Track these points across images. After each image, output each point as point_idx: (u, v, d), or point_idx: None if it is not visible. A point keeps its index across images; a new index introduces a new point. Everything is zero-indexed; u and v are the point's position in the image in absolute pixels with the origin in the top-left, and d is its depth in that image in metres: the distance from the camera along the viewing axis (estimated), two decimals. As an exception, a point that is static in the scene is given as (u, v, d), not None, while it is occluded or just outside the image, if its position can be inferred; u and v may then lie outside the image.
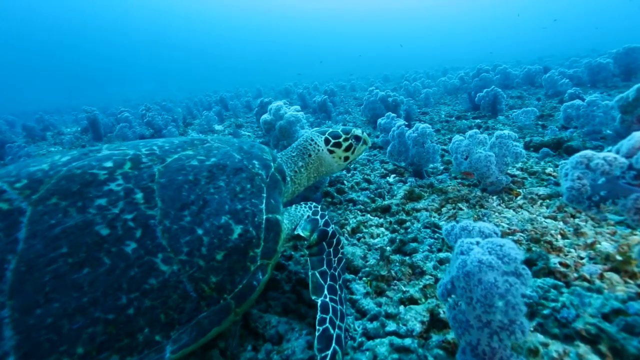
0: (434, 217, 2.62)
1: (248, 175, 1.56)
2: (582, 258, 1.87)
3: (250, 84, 27.41)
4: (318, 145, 2.15)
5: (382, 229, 2.59)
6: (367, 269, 2.03)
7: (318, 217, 1.75)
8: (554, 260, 1.77)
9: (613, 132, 2.36)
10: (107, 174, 1.32)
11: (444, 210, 2.70)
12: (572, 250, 1.93)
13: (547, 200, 2.54)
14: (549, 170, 2.99)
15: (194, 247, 1.23)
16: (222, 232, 1.30)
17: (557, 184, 2.77)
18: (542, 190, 2.63)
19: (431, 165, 3.67)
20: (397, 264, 2.05)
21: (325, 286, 1.51)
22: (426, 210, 2.72)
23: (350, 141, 2.19)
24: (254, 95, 15.88)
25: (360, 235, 2.52)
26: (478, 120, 5.73)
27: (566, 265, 1.72)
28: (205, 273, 1.22)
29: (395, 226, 2.56)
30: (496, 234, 1.20)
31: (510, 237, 2.05)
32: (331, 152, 2.17)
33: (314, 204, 1.85)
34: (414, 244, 2.22)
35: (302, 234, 1.65)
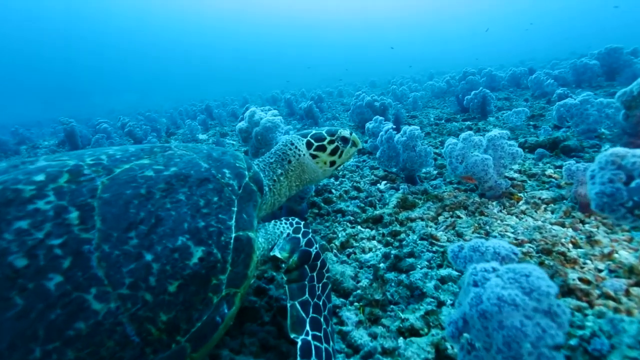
0: (431, 227, 2.38)
1: (216, 186, 1.33)
2: (600, 271, 1.65)
3: (237, 93, 27.13)
4: (299, 150, 1.88)
5: (375, 242, 2.35)
6: (359, 291, 1.78)
7: (299, 235, 1.51)
8: (572, 275, 1.55)
9: (619, 130, 2.19)
10: (34, 190, 1.04)
11: (440, 218, 2.47)
12: (588, 261, 1.72)
13: (552, 205, 2.34)
14: (549, 171, 2.80)
15: (139, 277, 1.00)
16: (178, 257, 1.07)
17: (559, 186, 2.58)
18: (545, 194, 2.44)
19: (424, 170, 3.46)
20: (393, 284, 1.80)
21: (308, 320, 1.28)
22: (421, 219, 2.49)
23: (336, 143, 1.92)
24: (240, 103, 15.62)
25: (351, 250, 2.27)
26: (468, 122, 5.59)
27: (587, 282, 1.50)
28: (152, 310, 0.99)
29: (388, 238, 2.32)
30: (515, 254, 0.96)
31: (519, 248, 1.82)
32: (314, 156, 1.90)
33: (296, 219, 1.61)
34: (410, 260, 1.98)
35: (279, 255, 1.41)
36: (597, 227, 2.00)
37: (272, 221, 1.62)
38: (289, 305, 1.32)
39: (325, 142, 1.90)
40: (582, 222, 2.08)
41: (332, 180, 3.63)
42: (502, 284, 0.78)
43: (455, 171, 2.65)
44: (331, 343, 1.28)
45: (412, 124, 6.07)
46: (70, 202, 1.04)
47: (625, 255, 1.70)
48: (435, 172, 3.43)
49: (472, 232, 2.17)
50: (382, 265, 2.02)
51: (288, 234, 1.53)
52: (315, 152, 1.89)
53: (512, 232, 2.03)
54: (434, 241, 2.17)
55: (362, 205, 2.87)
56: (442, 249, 2.05)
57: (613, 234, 1.93)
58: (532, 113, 5.31)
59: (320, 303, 1.37)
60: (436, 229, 2.35)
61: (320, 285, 1.43)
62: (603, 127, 3.70)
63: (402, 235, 2.31)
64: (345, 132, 1.96)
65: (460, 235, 2.19)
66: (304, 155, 1.88)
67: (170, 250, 1.07)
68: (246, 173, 1.52)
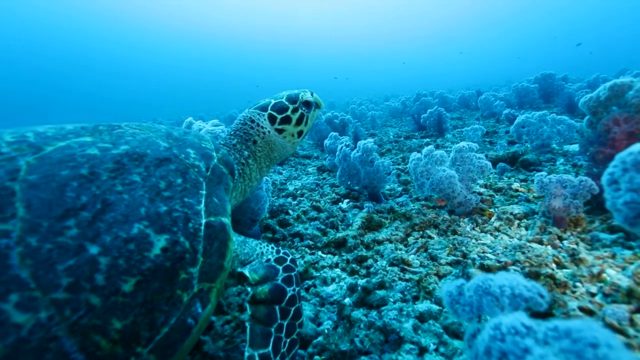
0: (401, 249, 2.09)
1: (179, 167, 1.12)
2: (593, 295, 1.44)
3: (194, 112, 26.16)
4: (263, 127, 1.61)
5: (338, 271, 1.99)
6: (320, 339, 1.39)
7: (280, 267, 1.30)
8: (571, 305, 1.31)
9: (584, 141, 2.12)
10: None
11: (410, 239, 2.19)
12: (578, 284, 1.51)
13: (525, 220, 2.18)
14: (515, 185, 2.69)
15: (81, 275, 0.79)
16: (134, 248, 0.88)
17: (528, 200, 2.45)
18: (516, 209, 2.28)
19: (388, 187, 3.23)
20: (363, 326, 1.45)
21: None
22: (390, 241, 2.19)
23: (300, 110, 1.64)
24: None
25: (310, 282, 1.89)
26: (427, 139, 5.60)
27: (589, 311, 1.27)
28: (101, 317, 0.79)
29: (354, 266, 1.98)
30: (543, 297, 0.66)
31: (503, 272, 1.57)
32: (280, 131, 1.62)
33: (284, 250, 1.39)
34: (381, 292, 1.64)
35: (247, 274, 1.24)
36: (577, 244, 1.84)
37: (257, 240, 1.42)
38: (247, 354, 1.12)
39: (289, 112, 1.62)
40: (560, 238, 1.92)
41: (289, 199, 3.26)
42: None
43: (422, 188, 2.43)
44: None
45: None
46: None
47: (614, 275, 1.52)
48: (400, 188, 3.21)
49: (448, 255, 1.90)
50: (347, 300, 1.66)
51: (268, 260, 1.33)
52: (280, 127, 1.61)
53: (492, 253, 1.80)
54: (405, 267, 1.87)
55: (323, 227, 2.52)
56: (416, 276, 1.75)
57: (594, 250, 1.77)
58: (487, 130, 5.45)
59: None
60: (407, 251, 2.06)
61: (288, 341, 1.18)
62: (554, 142, 3.79)
63: (370, 261, 1.98)
64: (307, 95, 1.67)
65: (434, 258, 1.91)
66: (269, 132, 1.61)
67: (123, 240, 0.87)
68: (214, 154, 1.30)
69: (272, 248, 1.40)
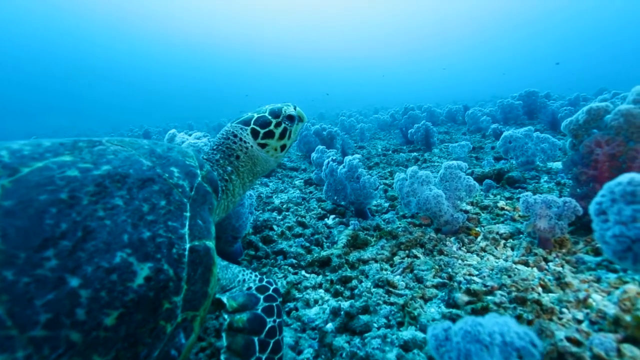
0: (386, 270, 2.04)
1: (162, 187, 1.08)
2: (580, 322, 1.41)
3: (182, 119, 25.90)
4: (245, 142, 1.58)
5: (321, 292, 1.92)
6: (299, 370, 1.31)
7: (261, 296, 1.26)
8: (558, 334, 1.27)
9: (568, 161, 2.12)
10: None
11: (396, 259, 2.14)
12: (564, 310, 1.48)
13: (511, 240, 2.16)
14: (501, 203, 2.69)
15: (61, 311, 0.75)
16: (116, 279, 0.84)
17: (513, 219, 2.45)
18: (502, 228, 2.26)
19: (374, 202, 3.19)
20: (345, 355, 1.37)
21: None
22: (375, 260, 2.14)
23: (283, 125, 1.62)
24: (183, 129, 14.67)
25: (292, 305, 1.81)
26: (415, 154, 5.62)
27: (577, 342, 1.23)
28: (82, 354, 0.75)
29: (337, 287, 1.91)
30: (535, 346, 0.61)
31: (490, 297, 1.53)
32: (263, 145, 1.59)
33: (269, 279, 1.34)
34: (365, 317, 1.58)
35: (225, 301, 1.20)
36: (562, 266, 1.82)
37: (239, 267, 1.39)
38: None
39: (272, 127, 1.59)
40: (546, 260, 1.90)
41: (274, 214, 3.18)
42: None
43: (408, 206, 2.40)
44: None
45: (360, 154, 5.98)
46: None
47: (600, 301, 1.49)
48: (387, 204, 3.17)
49: (433, 277, 1.86)
50: (329, 326, 1.59)
51: (250, 288, 1.29)
52: (263, 141, 1.59)
53: (478, 276, 1.76)
54: (390, 289, 1.81)
55: (307, 244, 2.45)
56: (401, 300, 1.69)
57: (579, 274, 1.75)
58: (473, 146, 5.52)
59: None
60: (392, 272, 2.01)
61: None
62: (538, 159, 3.85)
63: (354, 282, 1.92)
64: (290, 109, 1.66)
65: (419, 280, 1.86)
66: (252, 147, 1.58)
67: (105, 270, 0.83)
68: (198, 172, 1.26)
69: (256, 276, 1.35)
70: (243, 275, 1.34)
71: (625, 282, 1.57)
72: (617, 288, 1.56)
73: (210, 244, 1.09)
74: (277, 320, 1.21)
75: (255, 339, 1.15)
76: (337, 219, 2.92)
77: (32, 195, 0.84)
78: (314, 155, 3.58)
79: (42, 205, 0.83)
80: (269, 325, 1.18)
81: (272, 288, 1.30)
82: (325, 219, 2.97)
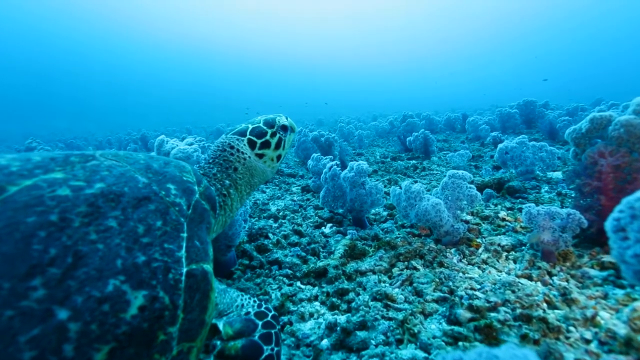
0: (384, 282, 1.97)
1: (159, 206, 1.02)
2: (588, 342, 1.34)
3: (181, 124, 25.88)
4: (243, 154, 1.56)
5: (317, 305, 1.84)
6: (291, 392, 1.23)
7: (260, 322, 1.21)
8: (567, 356, 1.20)
9: (570, 172, 2.08)
10: None
11: (395, 270, 2.07)
12: (571, 328, 1.41)
13: (513, 253, 2.10)
14: (502, 214, 2.63)
15: (46, 347, 0.68)
16: (108, 310, 0.76)
17: (515, 230, 2.39)
18: (504, 240, 2.20)
19: (373, 211, 3.13)
20: (340, 376, 1.29)
21: None
22: (373, 272, 2.06)
23: (278, 135, 1.64)
24: (182, 134, 14.63)
25: (286, 319, 1.73)
26: (414, 161, 5.58)
27: (587, 366, 1.15)
28: None
29: (334, 299, 1.83)
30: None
31: (493, 313, 1.46)
32: (260, 155, 1.59)
33: (267, 305, 1.31)
34: (362, 333, 1.50)
35: (220, 327, 1.14)
36: (567, 281, 1.76)
37: (240, 292, 1.34)
38: None
39: (268, 137, 1.60)
40: (550, 273, 1.84)
41: (270, 221, 3.11)
42: None
43: (407, 218, 2.33)
44: None
45: (358, 161, 5.95)
46: None
47: (608, 319, 1.43)
48: (385, 213, 3.11)
49: (434, 290, 1.78)
50: (325, 342, 1.51)
51: (248, 313, 1.24)
52: (260, 151, 1.59)
53: (480, 290, 1.69)
54: (389, 303, 1.73)
55: (304, 254, 2.38)
56: (400, 314, 1.62)
57: (586, 289, 1.69)
58: (472, 154, 5.48)
59: None
60: (391, 284, 1.93)
61: None
62: (537, 169, 3.81)
63: (351, 295, 1.84)
64: (283, 119, 1.68)
65: (419, 293, 1.79)
66: (249, 157, 1.57)
67: (96, 300, 0.76)
68: (196, 188, 1.20)
69: (255, 301, 1.31)
70: (241, 300, 1.30)
71: (634, 299, 1.50)
72: (625, 305, 1.49)
73: (208, 267, 1.02)
74: (275, 349, 1.15)
75: None
76: (334, 228, 2.85)
77: (19, 218, 0.78)
78: (309, 162, 3.53)
79: (30, 229, 0.77)
80: (265, 354, 1.11)
81: (270, 315, 1.25)
82: (322, 228, 2.90)
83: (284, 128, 1.66)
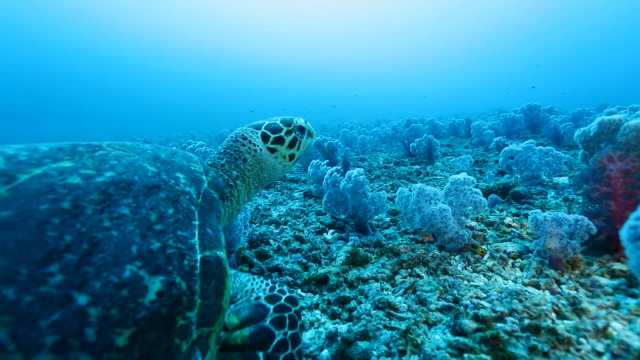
0: (387, 290, 1.92)
1: (169, 194, 1.01)
2: (600, 354, 1.28)
3: (185, 129, 26.09)
4: (255, 145, 1.57)
5: (318, 313, 1.80)
6: (290, 406, 1.18)
7: (271, 306, 1.14)
8: (578, 371, 1.14)
9: (578, 177, 2.03)
10: None
11: (397, 278, 2.02)
12: (582, 340, 1.35)
13: (520, 260, 2.04)
14: (508, 220, 2.57)
15: (68, 332, 0.67)
16: (127, 294, 0.77)
17: (521, 237, 2.33)
18: (510, 247, 2.14)
19: (376, 217, 3.08)
20: (340, 389, 1.24)
21: None
22: (375, 280, 2.02)
23: (294, 134, 1.64)
24: (185, 140, 14.72)
25: (285, 328, 1.68)
26: (417, 167, 5.53)
27: (599, 381, 1.10)
28: None
29: (335, 308, 1.79)
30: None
31: (500, 324, 1.41)
32: (272, 150, 1.59)
33: (283, 287, 1.23)
34: (363, 344, 1.45)
35: (225, 319, 1.06)
36: (577, 289, 1.70)
37: (245, 275, 1.30)
38: None
39: (282, 134, 1.60)
40: (558, 282, 1.78)
41: (271, 227, 3.07)
42: None
43: (411, 221, 2.29)
44: None
45: (361, 166, 5.91)
46: None
47: (621, 331, 1.37)
48: (388, 219, 3.06)
49: (438, 299, 1.73)
50: (325, 353, 1.46)
51: (258, 298, 1.17)
52: (273, 146, 1.59)
53: (486, 299, 1.63)
54: (392, 312, 1.68)
55: (305, 260, 2.34)
56: (403, 324, 1.57)
57: (596, 298, 1.63)
58: (476, 159, 5.43)
59: None
60: (394, 292, 1.88)
61: None
62: (543, 173, 3.74)
63: (353, 303, 1.80)
64: (301, 121, 1.69)
65: (423, 302, 1.74)
66: (260, 150, 1.57)
67: (114, 286, 0.76)
68: (204, 178, 1.20)
69: (267, 284, 1.25)
70: (252, 284, 1.24)
71: (648, 310, 1.44)
72: (638, 316, 1.43)
73: (222, 254, 1.02)
74: (290, 332, 1.08)
75: (260, 354, 1.02)
76: (336, 234, 2.81)
77: (32, 205, 0.78)
78: (309, 169, 3.51)
79: (44, 216, 0.77)
80: (277, 339, 1.06)
81: (285, 297, 1.18)
82: (324, 234, 2.86)
83: (301, 129, 1.67)
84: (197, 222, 1.01)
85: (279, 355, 1.04)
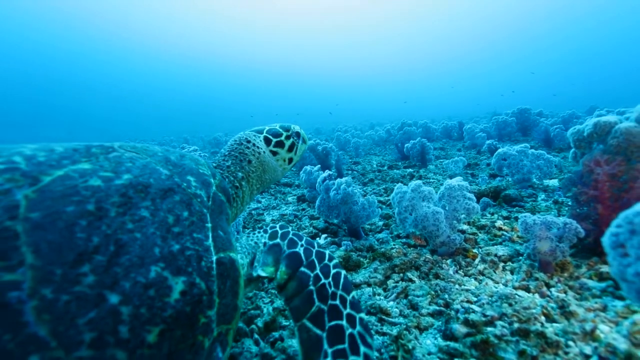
0: (379, 294, 1.92)
1: (183, 197, 1.05)
2: (588, 357, 1.30)
3: (178, 133, 25.96)
4: (258, 148, 1.67)
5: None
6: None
7: (278, 239, 1.29)
8: (566, 375, 1.15)
9: (566, 181, 2.06)
10: None
11: (390, 282, 2.03)
12: (570, 343, 1.36)
13: (510, 263, 2.06)
14: (499, 223, 2.60)
15: (104, 329, 0.71)
16: (154, 294, 0.80)
17: (512, 240, 2.35)
18: (500, 250, 2.16)
19: (368, 222, 3.09)
20: (331, 396, 1.24)
21: (325, 336, 1.07)
22: (368, 284, 2.02)
23: (292, 139, 1.76)
24: (179, 144, 14.63)
25: (277, 335, 1.67)
26: (410, 170, 5.56)
27: (587, 384, 1.11)
28: None
29: (327, 314, 1.77)
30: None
31: (490, 328, 1.41)
32: (274, 153, 1.71)
33: (270, 225, 1.38)
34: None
35: (262, 273, 1.20)
36: (565, 292, 1.72)
37: (244, 233, 1.39)
38: (295, 329, 1.10)
39: (282, 138, 1.73)
40: (547, 285, 1.80)
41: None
42: None
43: (404, 222, 2.30)
44: (362, 348, 1.07)
45: (355, 170, 5.92)
46: None
47: (608, 333, 1.38)
48: (380, 223, 3.07)
49: (429, 303, 1.74)
50: None
51: (265, 244, 1.30)
52: (274, 149, 1.70)
53: (477, 303, 1.64)
54: (384, 317, 1.69)
55: (297, 266, 2.33)
56: (395, 329, 1.57)
57: (584, 301, 1.65)
58: (469, 162, 5.47)
59: (338, 302, 1.14)
60: (386, 297, 1.89)
61: (330, 279, 1.19)
62: (534, 177, 3.79)
63: (345, 309, 1.79)
64: (297, 128, 1.82)
65: (414, 307, 1.74)
66: (264, 152, 1.67)
67: (143, 286, 0.80)
68: (212, 181, 1.25)
69: (259, 230, 1.37)
70: (250, 239, 1.33)
71: (634, 312, 1.47)
72: (625, 318, 1.45)
73: (235, 255, 1.09)
74: (303, 242, 1.28)
75: (302, 269, 1.19)
76: (329, 239, 2.80)
77: (58, 207, 0.79)
78: (302, 175, 3.51)
79: (71, 218, 0.79)
80: (302, 252, 1.24)
81: (278, 226, 1.34)
82: (317, 239, 2.86)
83: (298, 135, 1.79)
84: (209, 225, 1.05)
85: (312, 258, 1.23)
